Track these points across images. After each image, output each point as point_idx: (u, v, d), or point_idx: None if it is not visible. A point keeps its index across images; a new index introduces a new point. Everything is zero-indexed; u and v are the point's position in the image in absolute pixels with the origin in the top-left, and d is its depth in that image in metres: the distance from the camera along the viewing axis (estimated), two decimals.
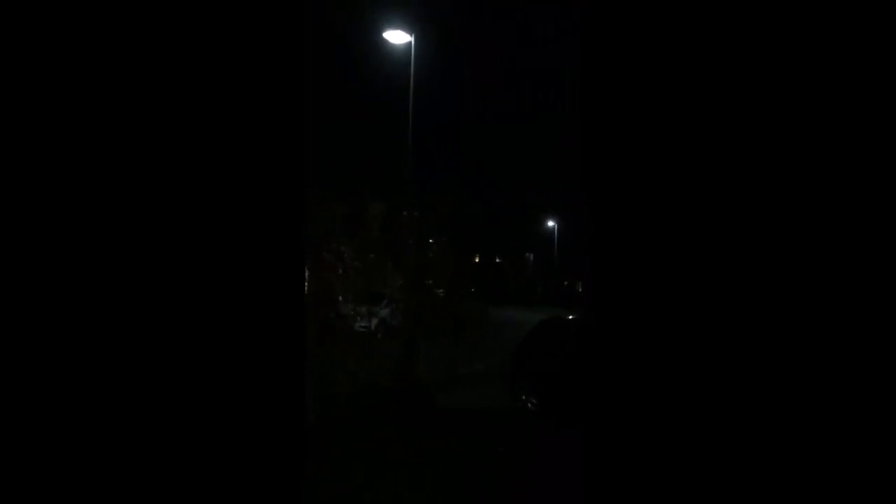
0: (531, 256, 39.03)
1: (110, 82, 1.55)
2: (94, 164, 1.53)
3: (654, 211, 1.60)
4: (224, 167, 1.62)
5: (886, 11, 1.40)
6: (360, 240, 5.52)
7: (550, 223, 37.13)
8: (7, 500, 1.42)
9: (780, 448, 1.43)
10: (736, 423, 1.47)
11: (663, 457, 1.52)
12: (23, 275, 1.45)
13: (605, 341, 1.61)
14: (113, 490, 1.49)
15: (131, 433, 1.50)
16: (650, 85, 1.60)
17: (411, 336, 5.95)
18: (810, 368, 1.41)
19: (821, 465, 1.39)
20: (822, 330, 1.42)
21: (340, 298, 5.51)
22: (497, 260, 33.48)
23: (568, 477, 3.73)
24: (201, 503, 1.54)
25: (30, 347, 1.44)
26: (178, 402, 1.53)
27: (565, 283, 35.04)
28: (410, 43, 7.50)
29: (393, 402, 5.33)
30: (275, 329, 1.62)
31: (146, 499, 1.50)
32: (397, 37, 7.56)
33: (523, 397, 5.80)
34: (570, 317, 6.38)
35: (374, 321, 6.32)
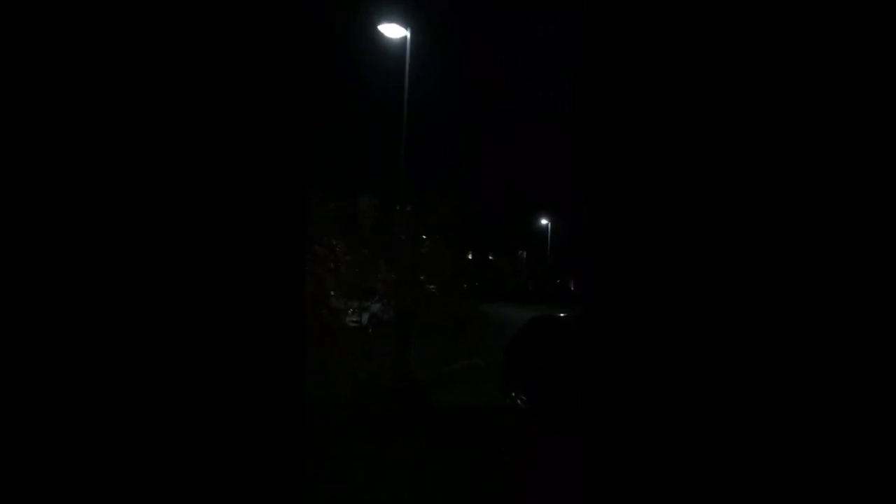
0: (524, 254, 39.11)
1: (110, 82, 1.53)
2: (94, 163, 1.52)
3: (654, 210, 1.59)
4: (224, 167, 1.60)
5: (886, 11, 1.40)
6: (352, 235, 5.50)
7: (544, 221, 37.21)
8: (7, 500, 1.40)
9: (780, 446, 1.43)
10: (737, 422, 1.47)
11: (663, 455, 1.52)
12: (23, 274, 1.44)
13: (606, 340, 1.61)
14: (113, 489, 1.47)
15: (132, 432, 1.49)
16: (650, 85, 1.59)
17: (404, 333, 5.94)
18: (810, 368, 1.41)
19: (821, 465, 1.40)
20: (822, 329, 1.42)
21: (332, 293, 5.50)
22: (490, 257, 33.53)
23: (560, 473, 3.74)
24: (202, 502, 1.53)
25: (30, 345, 1.43)
26: (178, 402, 1.52)
27: (558, 281, 35.16)
28: (406, 37, 7.47)
29: (386, 399, 5.32)
30: (275, 329, 1.61)
31: (147, 498, 1.50)
32: (393, 31, 7.53)
33: (513, 394, 5.81)
34: (561, 314, 6.39)
35: (366, 316, 6.31)
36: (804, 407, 1.42)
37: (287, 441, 1.59)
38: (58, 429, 1.43)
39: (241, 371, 1.56)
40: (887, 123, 1.39)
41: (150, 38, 1.53)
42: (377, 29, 7.68)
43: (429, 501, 3.51)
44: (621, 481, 1.56)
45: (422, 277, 6.23)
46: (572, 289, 34.49)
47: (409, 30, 7.61)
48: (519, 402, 5.65)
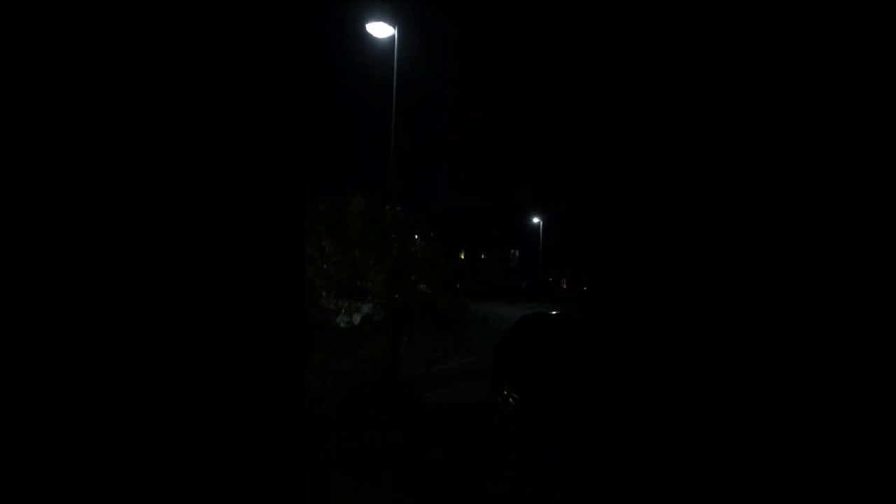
0: (516, 253, 39.21)
1: (111, 83, 1.52)
2: (94, 164, 1.50)
3: (660, 211, 1.59)
4: (224, 167, 1.60)
5: (886, 11, 1.40)
6: (342, 234, 5.48)
7: (535, 220, 37.32)
8: (7, 500, 1.39)
9: (785, 446, 1.44)
10: (744, 422, 1.47)
11: (669, 455, 1.52)
12: (23, 274, 1.43)
13: (611, 340, 1.60)
14: (114, 489, 1.46)
15: (132, 432, 1.47)
16: (657, 89, 1.59)
17: (395, 332, 5.93)
18: (812, 372, 1.41)
19: (824, 465, 1.41)
20: (825, 329, 1.42)
21: (325, 294, 5.47)
22: (482, 256, 33.58)
23: (552, 473, 3.74)
24: (202, 502, 1.52)
25: (30, 345, 1.41)
26: (178, 402, 1.51)
27: (550, 279, 35.28)
28: (394, 36, 7.47)
29: (376, 398, 5.31)
30: (274, 329, 1.60)
31: (147, 498, 1.48)
32: (380, 30, 7.52)
33: (504, 392, 5.81)
34: (553, 312, 6.41)
35: (357, 317, 6.29)
36: (809, 412, 1.42)
37: (287, 441, 1.59)
38: (57, 429, 1.42)
39: (240, 371, 1.55)
40: (889, 126, 1.40)
41: (150, 41, 1.53)
42: (366, 28, 7.67)
43: (417, 499, 3.51)
44: (629, 479, 1.56)
45: (413, 277, 6.22)
46: (564, 287, 34.62)
47: (396, 28, 7.61)
48: (511, 400, 5.65)
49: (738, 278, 1.52)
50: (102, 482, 1.45)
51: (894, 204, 1.40)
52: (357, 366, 5.51)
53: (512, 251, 39.01)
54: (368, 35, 7.57)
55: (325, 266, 5.38)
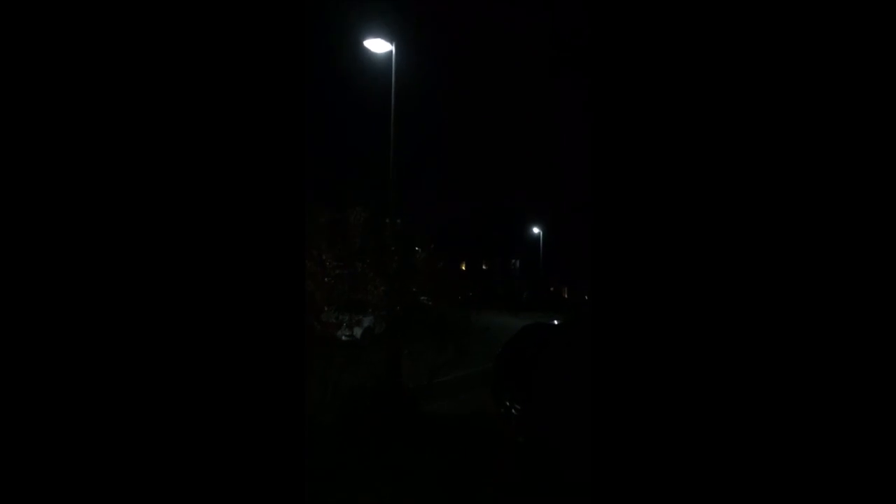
0: (517, 263, 39.11)
1: (111, 86, 1.52)
2: (95, 168, 1.51)
3: (660, 218, 1.60)
4: (225, 174, 1.62)
5: (887, 12, 1.41)
6: (342, 247, 5.50)
7: (536, 229, 37.27)
8: (7, 500, 1.40)
9: (784, 449, 1.44)
10: (744, 426, 1.47)
11: (670, 457, 1.52)
12: (23, 274, 1.44)
13: (612, 345, 1.61)
14: (114, 489, 1.47)
15: (133, 434, 1.49)
16: (659, 95, 1.60)
17: (395, 344, 5.93)
18: (813, 375, 1.42)
19: (822, 465, 1.42)
20: (823, 335, 1.45)
21: (326, 308, 5.48)
22: (483, 267, 33.49)
23: (552, 479, 3.74)
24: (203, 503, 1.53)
25: (30, 346, 1.43)
26: (179, 405, 1.53)
27: (551, 289, 35.14)
28: (392, 51, 7.55)
29: (376, 409, 5.30)
30: (275, 334, 1.61)
31: (147, 498, 1.49)
32: (378, 45, 7.60)
33: (507, 403, 5.80)
34: (554, 322, 6.40)
35: (359, 330, 6.29)
36: (808, 416, 1.43)
37: (287, 444, 1.60)
38: (58, 430, 1.43)
39: (241, 375, 1.57)
40: (889, 126, 1.41)
41: (152, 48, 1.55)
42: (363, 44, 7.75)
43: None
44: (629, 484, 1.56)
45: (414, 289, 6.23)
46: (566, 297, 34.48)
47: (394, 44, 7.69)
48: (513, 410, 5.64)
49: (737, 285, 1.53)
50: (105, 485, 1.46)
51: (894, 204, 1.41)
52: (358, 377, 5.51)
53: (513, 261, 38.91)
54: (366, 49, 7.66)
55: (326, 280, 5.39)
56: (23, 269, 1.45)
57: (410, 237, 6.57)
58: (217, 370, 1.56)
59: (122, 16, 1.52)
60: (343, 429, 4.86)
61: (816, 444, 1.44)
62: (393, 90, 7.26)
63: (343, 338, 5.88)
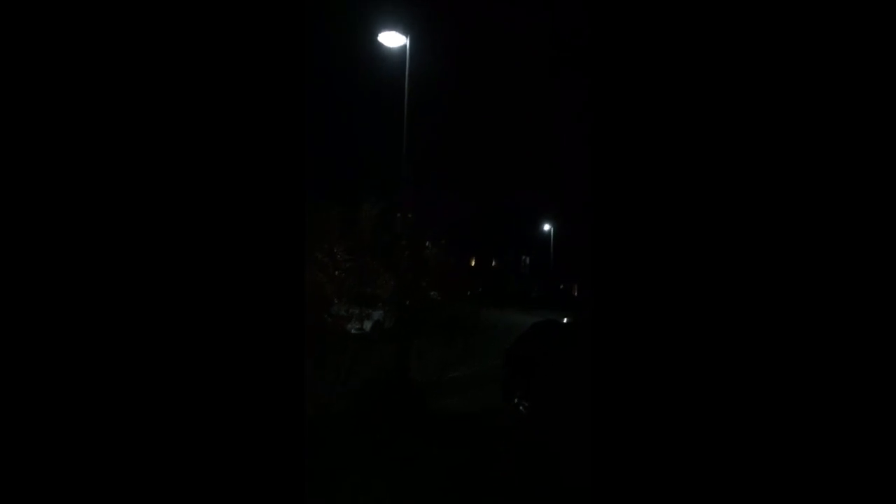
0: (527, 260, 39.05)
1: (111, 86, 1.52)
2: (94, 164, 1.51)
3: (660, 217, 1.59)
4: (225, 172, 1.63)
5: (887, 12, 1.40)
6: (353, 241, 5.52)
7: (546, 226, 37.17)
8: (7, 500, 1.41)
9: (784, 449, 1.43)
10: (744, 425, 1.47)
11: (671, 456, 1.52)
12: (23, 275, 1.44)
13: (613, 342, 1.60)
14: (114, 489, 1.48)
15: (133, 433, 1.49)
16: (657, 90, 1.59)
17: (406, 338, 5.94)
18: (813, 375, 1.41)
19: (822, 465, 1.41)
20: (823, 334, 1.42)
21: (336, 301, 5.50)
22: (493, 263, 33.47)
23: (558, 477, 3.73)
24: (203, 503, 1.53)
25: (30, 346, 1.43)
26: (179, 404, 1.53)
27: (561, 286, 35.05)
28: (406, 45, 7.53)
29: (385, 404, 5.32)
30: (275, 332, 1.62)
31: (147, 499, 1.50)
32: (393, 39, 7.59)
33: (515, 400, 5.79)
34: (564, 319, 6.38)
35: (369, 324, 6.31)
36: (808, 415, 1.42)
37: (287, 442, 1.60)
38: (59, 430, 1.44)
39: (241, 373, 1.57)
40: (889, 126, 1.40)
41: (152, 46, 1.56)
42: (378, 38, 7.74)
43: (422, 497, 3.52)
44: (630, 483, 1.56)
45: (424, 284, 6.24)
46: (576, 294, 34.39)
47: (408, 37, 7.67)
48: (521, 408, 5.64)
49: (737, 286, 1.52)
50: (105, 483, 1.47)
51: (894, 204, 1.40)
52: (367, 370, 5.53)
53: (523, 257, 38.86)
54: (377, 45, 7.66)
55: (336, 273, 5.41)
56: (23, 266, 1.45)
57: (421, 232, 6.57)
58: (216, 368, 1.56)
59: (120, 11, 1.51)
60: (352, 421, 4.89)
61: (817, 445, 1.42)
62: (406, 83, 7.25)
63: (353, 331, 5.91)
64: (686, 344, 1.56)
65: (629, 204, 1.65)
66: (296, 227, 1.67)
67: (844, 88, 1.47)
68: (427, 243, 6.60)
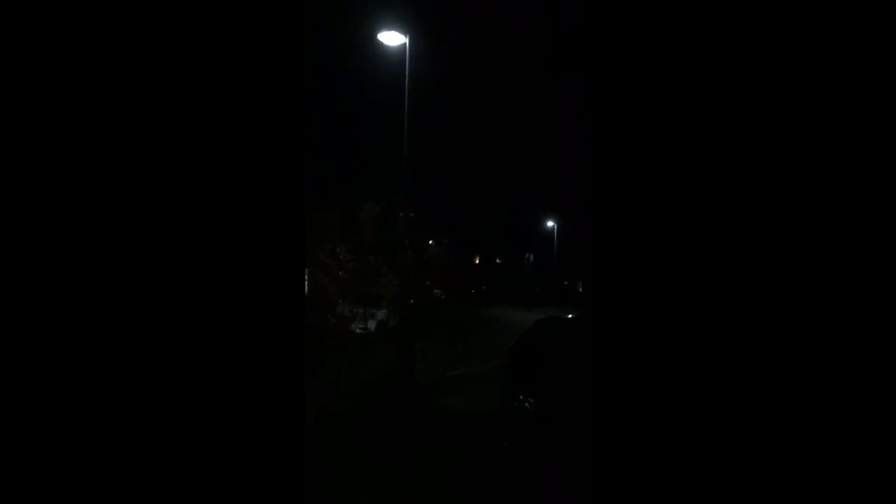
0: (531, 257, 39.01)
1: (111, 86, 1.52)
2: (96, 169, 1.51)
3: (659, 215, 1.59)
4: (225, 172, 1.62)
5: (887, 12, 1.39)
6: (355, 241, 5.52)
7: (550, 223, 37.13)
8: (7, 500, 1.41)
9: (784, 449, 1.43)
10: (742, 421, 1.47)
11: (670, 455, 1.52)
12: (23, 276, 1.45)
13: (612, 341, 1.61)
14: (115, 490, 1.48)
15: (134, 434, 1.50)
16: (657, 90, 1.59)
17: (409, 338, 5.95)
18: (813, 375, 1.41)
19: (822, 464, 1.40)
20: (823, 332, 1.42)
21: (341, 301, 5.52)
22: (497, 260, 33.44)
23: (565, 480, 3.73)
24: (203, 503, 1.54)
25: (31, 347, 1.43)
26: (179, 404, 1.53)
27: (565, 283, 34.99)
28: (405, 45, 7.53)
29: (388, 404, 5.33)
30: (275, 332, 1.62)
31: (148, 499, 1.50)
32: (392, 38, 7.58)
33: (520, 397, 5.79)
34: (568, 316, 6.37)
35: (373, 323, 6.32)
36: (809, 414, 1.41)
37: (287, 442, 1.61)
38: (59, 430, 1.44)
39: (241, 373, 1.58)
40: (889, 126, 1.39)
41: (152, 46, 1.55)
42: (377, 37, 7.74)
43: (423, 498, 3.53)
44: (629, 480, 1.56)
45: (427, 282, 6.24)
46: (580, 291, 34.34)
47: (408, 37, 7.67)
48: (526, 405, 5.63)
49: (737, 286, 1.52)
50: (105, 484, 1.47)
51: (894, 204, 1.40)
52: (370, 370, 5.54)
53: (527, 255, 38.82)
54: (378, 45, 7.66)
55: (339, 273, 5.42)
56: (23, 267, 1.46)
57: (423, 231, 6.58)
58: (216, 369, 1.57)
59: (120, 11, 1.51)
60: (354, 421, 4.89)
61: (817, 445, 1.42)
62: (406, 82, 7.25)
63: (357, 330, 5.92)
64: (686, 342, 1.56)
65: (629, 203, 1.65)
66: (296, 228, 1.67)
67: (845, 88, 1.46)
68: (430, 242, 6.60)
